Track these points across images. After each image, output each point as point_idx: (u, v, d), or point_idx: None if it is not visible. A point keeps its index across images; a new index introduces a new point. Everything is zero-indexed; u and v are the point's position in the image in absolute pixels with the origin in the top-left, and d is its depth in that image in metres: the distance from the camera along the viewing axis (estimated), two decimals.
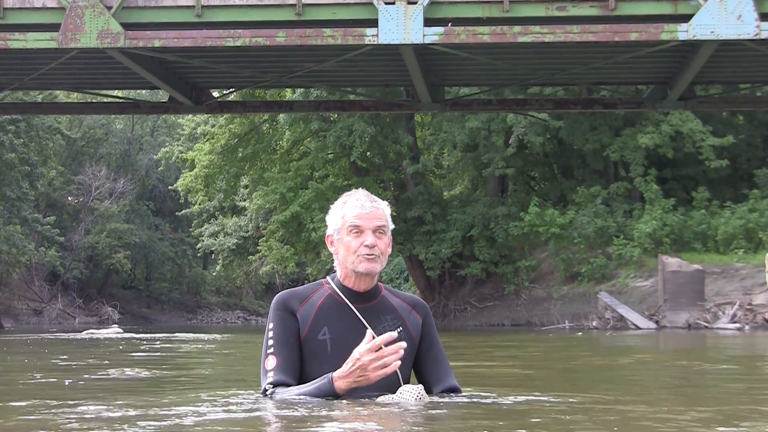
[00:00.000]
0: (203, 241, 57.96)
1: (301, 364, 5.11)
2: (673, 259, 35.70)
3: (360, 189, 5.32)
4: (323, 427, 4.23)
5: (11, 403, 5.81)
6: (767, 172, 44.11)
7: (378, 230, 5.16)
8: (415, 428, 4.29)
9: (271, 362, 5.08)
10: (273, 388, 5.05)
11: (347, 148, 43.06)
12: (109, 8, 18.95)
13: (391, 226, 5.25)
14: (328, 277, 5.32)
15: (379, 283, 5.29)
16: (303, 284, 5.63)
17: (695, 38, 18.17)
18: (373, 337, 4.90)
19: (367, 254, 5.10)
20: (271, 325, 5.14)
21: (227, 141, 47.75)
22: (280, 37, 18.77)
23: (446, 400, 5.18)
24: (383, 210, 5.22)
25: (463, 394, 5.43)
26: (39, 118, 55.91)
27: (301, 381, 5.11)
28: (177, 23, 19.25)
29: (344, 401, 4.89)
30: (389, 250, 5.23)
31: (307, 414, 4.58)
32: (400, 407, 4.82)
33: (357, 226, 5.13)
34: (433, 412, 4.79)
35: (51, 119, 58.70)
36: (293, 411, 4.68)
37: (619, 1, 18.31)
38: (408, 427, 4.32)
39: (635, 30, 18.25)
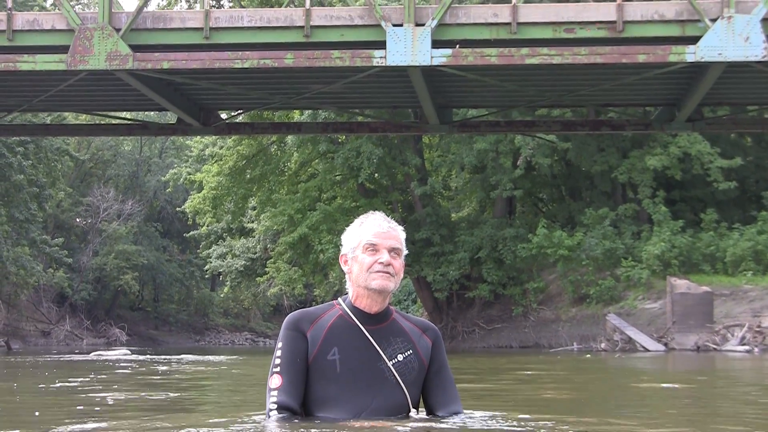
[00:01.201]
0: (211, 262, 57.92)
1: (310, 383, 5.09)
2: (681, 281, 35.64)
3: (378, 212, 5.34)
4: None
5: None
6: None
7: (393, 251, 5.17)
8: None
9: (276, 381, 5.07)
10: (276, 408, 5.03)
11: (355, 169, 43.09)
12: (118, 30, 19.02)
13: (405, 252, 5.26)
14: (339, 299, 5.32)
15: (390, 307, 5.28)
16: (311, 306, 5.62)
17: (703, 60, 18.19)
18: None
19: (382, 271, 5.11)
20: (280, 344, 5.14)
21: (235, 162, 47.76)
22: (288, 59, 18.82)
23: (453, 420, 5.15)
24: (399, 233, 5.25)
25: (475, 414, 5.41)
26: (47, 140, 56.00)
27: (308, 400, 5.09)
28: (185, 45, 19.33)
29: (351, 424, 4.87)
30: (402, 273, 5.22)
31: None
32: (407, 428, 4.79)
33: (373, 244, 5.15)
34: None
35: (59, 141, 58.80)
36: None
37: (627, 23, 18.35)
38: None
39: (643, 52, 18.28)
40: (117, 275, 72.95)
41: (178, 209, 67.99)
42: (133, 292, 78.64)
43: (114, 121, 27.63)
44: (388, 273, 5.12)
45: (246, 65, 18.91)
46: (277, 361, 5.10)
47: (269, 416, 5.04)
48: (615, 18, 18.32)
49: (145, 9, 19.43)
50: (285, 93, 23.00)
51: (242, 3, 36.05)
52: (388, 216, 5.31)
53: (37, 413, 7.07)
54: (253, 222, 54.70)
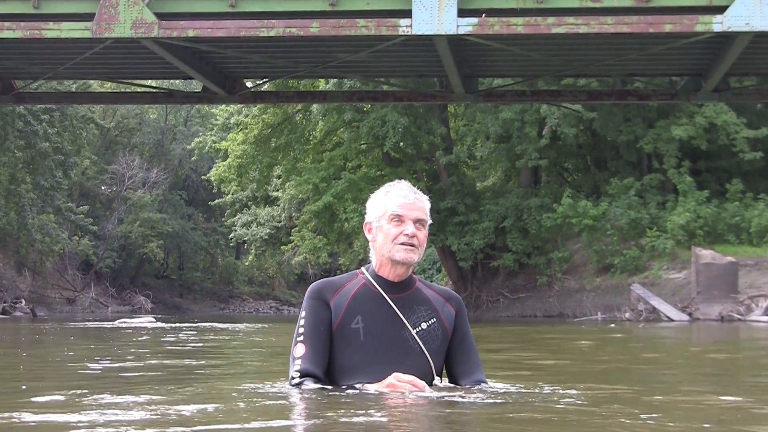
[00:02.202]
0: (236, 230, 58.07)
1: (334, 351, 5.12)
2: (706, 252, 35.54)
3: (403, 180, 5.32)
4: (350, 417, 4.21)
5: (38, 394, 5.83)
6: None
7: (418, 222, 5.17)
8: (443, 418, 4.28)
9: (300, 350, 5.10)
10: (300, 377, 5.07)
11: (380, 138, 43.11)
12: None
13: (429, 222, 5.25)
14: (362, 268, 5.33)
15: (414, 275, 5.29)
16: (335, 274, 5.64)
17: (730, 30, 18.08)
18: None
19: (406, 243, 5.11)
20: (303, 314, 5.16)
21: (260, 131, 47.84)
22: (314, 28, 18.79)
23: (476, 389, 5.17)
24: (424, 204, 5.24)
25: (495, 384, 5.44)
26: (73, 108, 56.15)
27: (332, 368, 5.13)
28: (211, 13, 19.32)
29: (373, 393, 4.88)
30: (425, 244, 5.23)
31: (333, 404, 4.58)
32: (430, 398, 4.81)
33: (399, 215, 5.14)
34: (465, 402, 4.77)
35: (85, 109, 58.94)
36: (321, 401, 4.68)
37: None
38: (437, 415, 4.32)
39: (670, 21, 18.18)
40: (142, 243, 73.31)
41: (203, 177, 68.17)
42: (158, 260, 79.02)
43: (139, 89, 27.63)
44: (412, 245, 5.13)
45: (272, 34, 18.90)
46: (301, 330, 5.12)
47: (292, 384, 5.07)
48: None
49: None
50: (310, 62, 22.98)
51: None
52: (413, 185, 5.30)
53: (23, 387, 6.77)
54: (277, 190, 54.79)
